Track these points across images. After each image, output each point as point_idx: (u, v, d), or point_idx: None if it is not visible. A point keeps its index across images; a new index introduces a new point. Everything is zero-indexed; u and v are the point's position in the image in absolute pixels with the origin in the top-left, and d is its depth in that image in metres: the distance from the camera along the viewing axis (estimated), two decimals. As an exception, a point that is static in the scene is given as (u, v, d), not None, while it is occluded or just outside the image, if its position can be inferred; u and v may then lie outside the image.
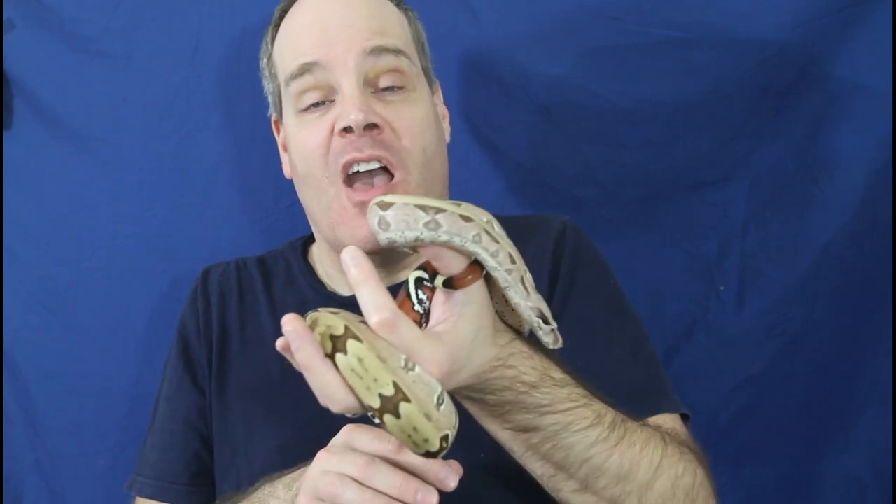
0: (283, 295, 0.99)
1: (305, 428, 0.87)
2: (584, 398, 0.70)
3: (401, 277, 0.93)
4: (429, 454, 0.60)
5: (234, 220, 1.27)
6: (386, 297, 0.58)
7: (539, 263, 0.90)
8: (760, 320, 1.21)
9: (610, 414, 0.71)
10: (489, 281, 0.64)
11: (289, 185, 1.23)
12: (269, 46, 0.96)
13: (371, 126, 0.84)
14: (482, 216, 0.63)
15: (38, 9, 1.23)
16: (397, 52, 0.87)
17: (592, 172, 1.23)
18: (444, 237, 0.60)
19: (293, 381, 0.90)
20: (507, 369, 0.65)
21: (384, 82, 0.87)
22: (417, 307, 0.63)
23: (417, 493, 0.62)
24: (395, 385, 0.57)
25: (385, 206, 0.61)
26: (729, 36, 1.17)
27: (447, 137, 0.99)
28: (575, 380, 0.70)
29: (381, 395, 0.57)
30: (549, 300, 0.77)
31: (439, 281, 0.62)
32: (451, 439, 0.61)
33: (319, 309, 0.63)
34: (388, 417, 0.57)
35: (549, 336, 0.66)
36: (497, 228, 0.64)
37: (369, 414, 0.59)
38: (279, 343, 0.61)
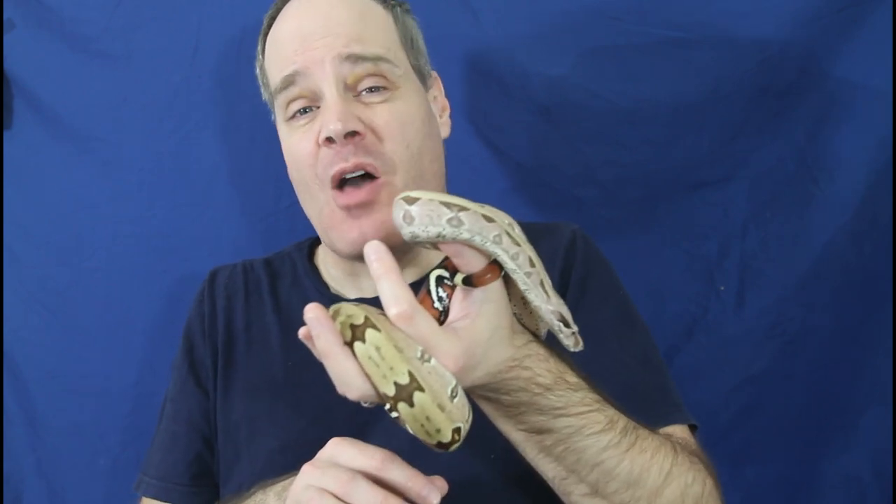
0: (289, 296, 0.99)
1: (308, 429, 0.87)
2: (598, 403, 0.70)
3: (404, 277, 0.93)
4: (441, 445, 0.61)
5: (234, 220, 1.27)
6: (405, 291, 0.60)
7: (549, 271, 0.90)
8: (760, 320, 1.21)
9: (622, 420, 0.71)
10: (508, 283, 0.66)
11: (289, 185, 1.23)
12: (261, 56, 0.97)
13: (352, 133, 0.84)
14: (504, 218, 0.64)
15: (38, 9, 1.23)
16: (376, 59, 0.87)
17: (592, 172, 1.23)
18: (466, 235, 0.61)
19: (297, 383, 0.90)
20: (523, 370, 0.66)
21: (365, 84, 0.87)
22: (437, 304, 0.65)
23: None
24: (411, 374, 0.58)
25: (411, 200, 0.62)
26: (729, 36, 1.17)
27: (446, 132, 0.99)
28: (589, 384, 0.71)
29: (396, 384, 0.58)
30: None
31: (459, 279, 0.63)
32: (463, 432, 0.62)
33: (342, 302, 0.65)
34: (402, 406, 0.59)
35: (570, 339, 0.67)
36: (518, 231, 0.65)
37: (385, 406, 0.60)
38: (301, 332, 0.63)
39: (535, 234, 0.90)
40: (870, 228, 1.18)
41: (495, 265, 0.63)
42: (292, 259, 1.03)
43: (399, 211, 0.63)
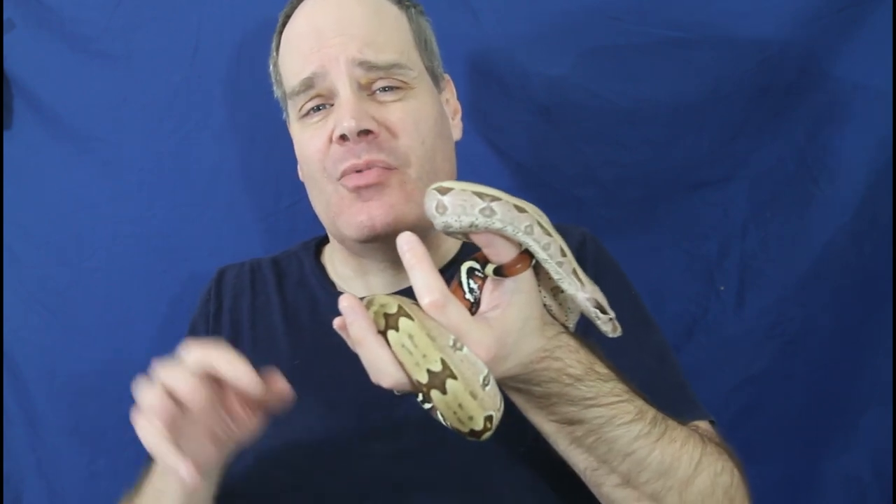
0: (295, 295, 0.99)
1: (314, 428, 0.87)
2: (627, 394, 0.71)
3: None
4: (473, 433, 0.62)
5: (234, 221, 1.27)
6: (438, 280, 0.61)
7: None
8: (760, 320, 1.21)
9: (651, 411, 0.72)
10: (538, 274, 0.67)
11: (289, 185, 1.23)
12: (275, 53, 0.97)
13: (366, 132, 0.84)
14: (535, 209, 0.65)
15: (38, 9, 1.23)
16: (389, 67, 0.87)
17: (592, 172, 1.23)
18: (498, 225, 0.62)
19: (303, 382, 0.90)
20: (554, 361, 0.67)
21: (379, 85, 0.88)
22: (468, 295, 0.65)
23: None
24: (443, 362, 0.59)
25: (444, 190, 0.63)
26: (729, 36, 1.17)
27: (457, 134, 1.00)
28: (618, 375, 0.72)
29: (429, 371, 0.59)
30: None
31: (489, 269, 0.64)
32: (495, 421, 0.63)
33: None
34: (434, 393, 0.60)
35: (608, 325, 0.68)
36: (547, 222, 0.65)
37: (418, 396, 0.61)
38: (336, 322, 0.64)
39: None
40: (870, 228, 1.18)
41: (526, 255, 0.64)
42: (299, 258, 1.03)
43: (432, 201, 0.64)
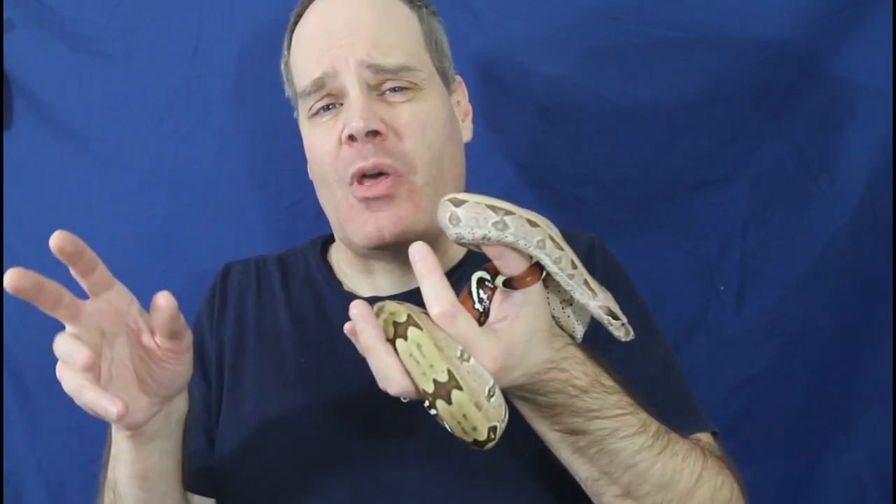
0: (301, 293, 0.99)
1: (321, 427, 0.87)
2: (631, 406, 0.72)
3: None
4: (477, 443, 0.63)
5: (234, 221, 1.27)
6: (447, 291, 0.62)
7: None
8: (760, 320, 1.21)
9: (654, 424, 0.73)
10: (547, 286, 0.68)
11: (289, 185, 1.23)
12: (286, 52, 0.98)
13: (374, 133, 0.85)
14: (547, 223, 0.66)
15: (38, 9, 1.23)
16: (397, 70, 0.88)
17: (592, 172, 1.23)
18: (510, 238, 0.63)
19: (309, 380, 0.91)
20: (560, 372, 0.68)
21: (388, 85, 0.88)
22: (478, 305, 0.66)
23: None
24: (450, 372, 0.60)
25: (458, 202, 0.64)
26: (729, 36, 1.17)
27: (467, 136, 1.00)
28: (623, 388, 0.73)
29: (435, 381, 0.60)
30: None
31: (499, 281, 0.65)
32: (499, 431, 0.64)
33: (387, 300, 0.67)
34: (440, 403, 0.61)
35: (621, 330, 0.69)
36: (558, 235, 0.66)
37: (424, 403, 0.62)
38: (347, 327, 0.66)
39: None
40: (870, 228, 1.18)
41: (536, 268, 0.65)
42: (305, 256, 1.03)
43: (445, 212, 0.65)
